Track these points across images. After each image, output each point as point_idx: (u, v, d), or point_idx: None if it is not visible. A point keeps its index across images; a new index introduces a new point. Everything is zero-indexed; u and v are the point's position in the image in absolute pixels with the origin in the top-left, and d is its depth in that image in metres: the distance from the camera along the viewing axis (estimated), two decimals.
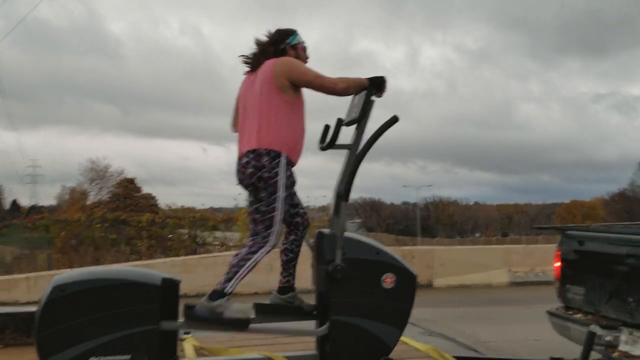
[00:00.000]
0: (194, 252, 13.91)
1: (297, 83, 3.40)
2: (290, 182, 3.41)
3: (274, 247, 3.35)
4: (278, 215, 3.32)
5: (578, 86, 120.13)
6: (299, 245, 3.58)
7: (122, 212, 21.37)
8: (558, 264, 4.41)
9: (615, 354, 3.60)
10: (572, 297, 4.21)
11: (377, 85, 3.47)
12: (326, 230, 3.51)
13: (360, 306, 3.36)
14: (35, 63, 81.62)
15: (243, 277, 3.24)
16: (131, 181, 35.39)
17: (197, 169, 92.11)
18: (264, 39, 3.55)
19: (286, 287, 3.54)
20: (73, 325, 2.95)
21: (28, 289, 10.11)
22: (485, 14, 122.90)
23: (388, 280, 3.41)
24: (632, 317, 3.62)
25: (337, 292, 3.34)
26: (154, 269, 7.26)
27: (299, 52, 3.58)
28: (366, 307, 3.37)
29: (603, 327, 3.68)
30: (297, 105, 3.45)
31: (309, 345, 3.89)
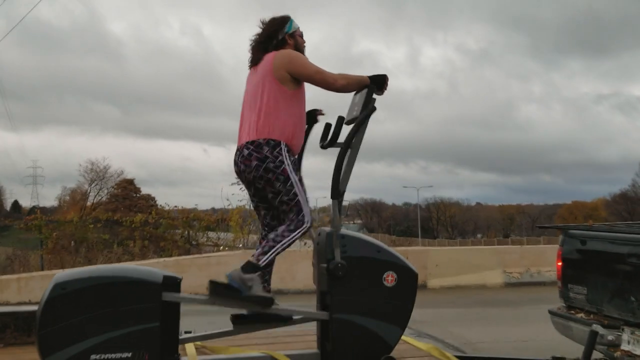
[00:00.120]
0: (188, 253, 13.96)
1: (298, 76, 3.45)
2: (295, 167, 3.47)
3: (310, 226, 3.43)
4: (301, 197, 3.41)
5: (580, 86, 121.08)
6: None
7: (117, 212, 21.41)
8: (560, 263, 4.47)
9: (618, 354, 3.64)
10: (574, 296, 4.26)
11: (378, 83, 3.51)
12: (327, 229, 3.55)
13: (361, 304, 3.40)
14: (36, 63, 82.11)
15: (278, 253, 3.31)
16: (130, 182, 35.44)
17: (198, 169, 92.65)
18: (261, 32, 3.58)
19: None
20: (74, 323, 2.98)
21: (19, 290, 10.16)
22: (486, 14, 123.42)
23: (389, 279, 3.45)
24: (635, 317, 3.66)
25: (338, 290, 3.37)
26: None
27: (297, 39, 3.63)
28: (367, 306, 3.40)
29: (605, 326, 3.72)
30: (297, 97, 3.50)
31: (310, 344, 3.94)
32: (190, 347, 3.83)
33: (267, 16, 3.63)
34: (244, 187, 3.72)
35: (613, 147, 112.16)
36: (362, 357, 3.37)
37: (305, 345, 4.02)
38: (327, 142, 3.66)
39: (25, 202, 57.76)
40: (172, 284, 3.24)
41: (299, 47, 3.61)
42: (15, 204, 57.72)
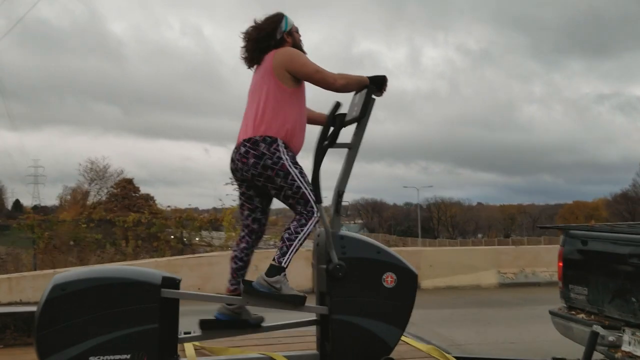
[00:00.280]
0: (181, 253, 14.01)
1: (297, 75, 3.50)
2: (294, 160, 3.50)
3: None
4: (305, 189, 3.44)
5: (580, 87, 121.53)
6: (249, 254, 3.67)
7: (115, 212, 21.43)
8: (561, 263, 4.51)
9: (618, 355, 3.68)
10: (575, 297, 4.30)
11: (377, 84, 3.56)
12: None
13: (361, 305, 3.44)
14: (37, 63, 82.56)
15: (297, 250, 3.39)
16: (129, 181, 35.47)
17: (199, 169, 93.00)
18: (257, 31, 3.60)
19: (234, 296, 3.58)
20: (73, 324, 3.03)
21: (10, 290, 10.16)
22: (487, 15, 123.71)
23: (389, 280, 3.51)
24: (636, 317, 3.70)
25: (338, 291, 3.43)
26: None
27: (294, 35, 3.67)
28: (367, 307, 3.45)
29: (606, 327, 3.76)
30: (297, 95, 3.55)
31: (309, 345, 4.01)
32: (189, 348, 3.88)
33: (262, 16, 3.67)
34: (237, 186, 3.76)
35: (614, 147, 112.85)
36: (361, 358, 3.42)
37: (305, 347, 4.07)
38: (326, 142, 3.71)
39: (27, 202, 58.27)
40: (171, 284, 3.29)
41: (297, 44, 3.66)
42: (17, 203, 57.86)
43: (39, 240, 14.46)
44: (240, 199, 3.71)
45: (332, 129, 3.67)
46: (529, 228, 73.33)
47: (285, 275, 3.36)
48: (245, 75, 3.73)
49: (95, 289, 3.12)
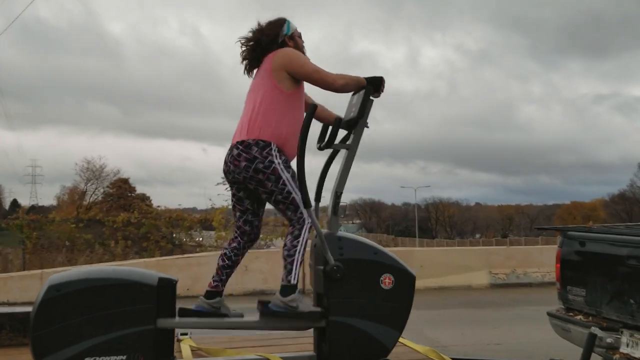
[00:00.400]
0: (171, 253, 14.03)
1: (296, 75, 3.53)
2: (287, 165, 3.52)
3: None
4: (296, 195, 3.47)
5: (579, 87, 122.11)
6: (239, 255, 3.71)
7: (106, 212, 21.40)
8: (559, 265, 4.55)
9: (616, 356, 3.71)
10: (573, 298, 4.34)
11: (375, 85, 3.61)
12: (324, 231, 3.62)
13: (358, 307, 3.48)
14: (35, 63, 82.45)
15: (301, 262, 3.44)
16: (125, 181, 35.50)
17: (198, 169, 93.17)
18: (259, 35, 3.65)
19: (214, 292, 3.60)
20: (68, 325, 3.06)
21: None
22: (486, 15, 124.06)
23: (387, 281, 3.55)
24: (634, 319, 3.74)
25: (335, 292, 3.46)
26: None
27: (296, 40, 3.72)
28: (364, 308, 3.49)
29: (604, 329, 3.80)
30: (295, 98, 3.58)
31: (306, 347, 4.05)
32: (186, 349, 3.91)
33: (264, 18, 3.70)
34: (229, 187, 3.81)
35: (612, 147, 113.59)
36: (358, 359, 3.46)
37: (302, 348, 4.11)
38: (324, 143, 3.75)
39: (25, 201, 58.51)
40: (168, 286, 3.32)
41: (299, 48, 3.71)
42: (15, 203, 57.74)
43: (27, 240, 14.45)
44: (232, 200, 3.75)
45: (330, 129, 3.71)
46: (526, 228, 73.58)
47: (299, 291, 3.42)
48: (245, 75, 3.77)
49: (90, 290, 3.15)
